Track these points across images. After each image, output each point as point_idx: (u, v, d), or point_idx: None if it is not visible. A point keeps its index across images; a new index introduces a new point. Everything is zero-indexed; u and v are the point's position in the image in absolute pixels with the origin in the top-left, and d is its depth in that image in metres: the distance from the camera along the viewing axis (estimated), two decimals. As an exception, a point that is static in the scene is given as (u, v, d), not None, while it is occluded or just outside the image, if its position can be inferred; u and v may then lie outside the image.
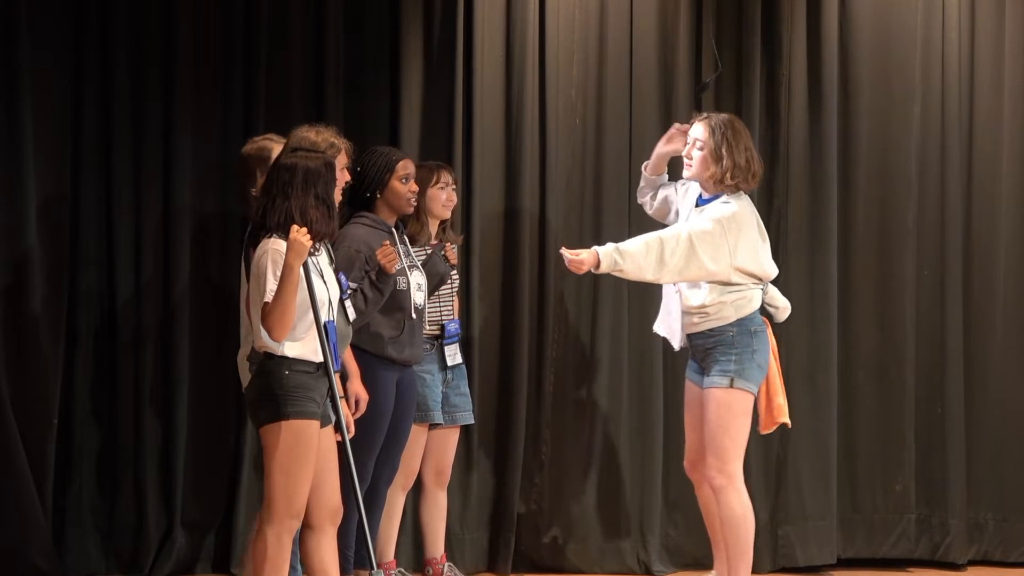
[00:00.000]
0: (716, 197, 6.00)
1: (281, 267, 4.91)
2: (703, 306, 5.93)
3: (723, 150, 5.93)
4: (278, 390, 4.96)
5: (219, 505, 6.69)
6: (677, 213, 6.19)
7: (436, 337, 6.25)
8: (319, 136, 5.50)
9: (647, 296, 7.08)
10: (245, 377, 5.35)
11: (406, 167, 6.00)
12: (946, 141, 7.29)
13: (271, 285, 4.92)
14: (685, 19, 7.13)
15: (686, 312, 5.99)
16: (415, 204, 6.04)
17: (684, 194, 6.19)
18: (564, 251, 5.94)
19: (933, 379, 7.21)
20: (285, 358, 4.98)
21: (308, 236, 4.93)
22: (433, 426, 6.26)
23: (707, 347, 5.96)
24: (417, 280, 5.97)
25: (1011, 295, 7.34)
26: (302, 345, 5.00)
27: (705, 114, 6.10)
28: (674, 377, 7.10)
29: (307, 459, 4.98)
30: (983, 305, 7.32)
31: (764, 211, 7.16)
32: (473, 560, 6.93)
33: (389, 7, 6.89)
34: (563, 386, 7.08)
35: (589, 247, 6.97)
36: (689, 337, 6.04)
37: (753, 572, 6.96)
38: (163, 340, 6.64)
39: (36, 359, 6.45)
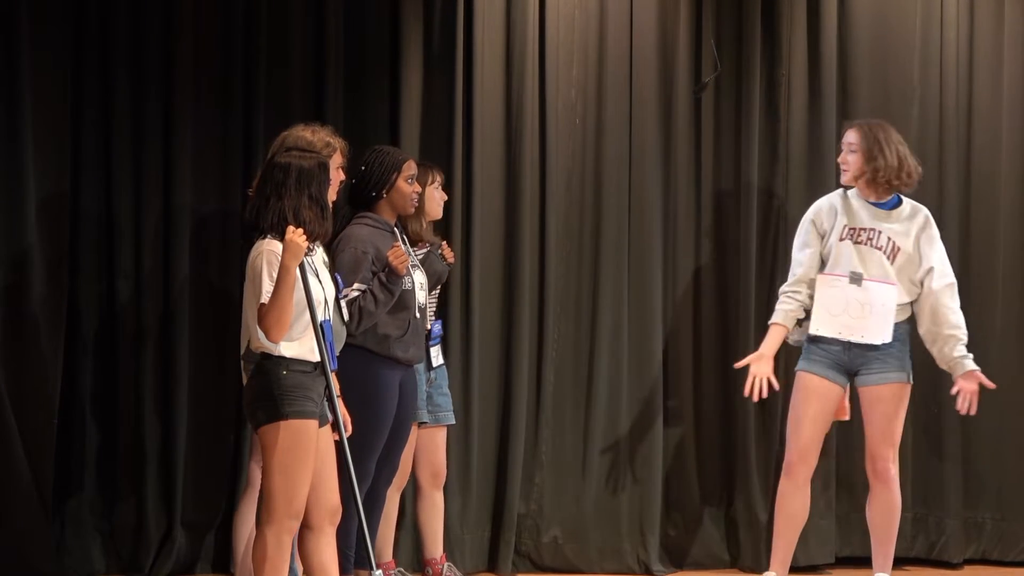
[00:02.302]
0: (895, 200, 6.35)
1: (277, 268, 4.91)
2: (905, 303, 6.35)
3: (875, 151, 6.27)
4: (275, 390, 4.96)
5: (219, 505, 6.68)
6: (830, 232, 6.37)
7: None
8: (315, 136, 5.50)
9: (647, 296, 7.09)
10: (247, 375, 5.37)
11: (411, 167, 6.00)
12: (944, 141, 7.30)
13: (267, 286, 4.92)
14: (685, 19, 7.14)
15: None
16: (416, 204, 6.05)
17: (832, 215, 6.38)
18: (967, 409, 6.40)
19: (931, 378, 7.20)
20: (282, 358, 4.98)
21: (304, 237, 4.93)
22: (420, 425, 6.25)
23: (884, 344, 6.25)
24: (419, 279, 5.98)
25: (1010, 295, 7.35)
26: (299, 345, 5.00)
27: (858, 120, 6.47)
28: (675, 377, 7.12)
29: (306, 459, 4.98)
30: (982, 305, 7.31)
31: (764, 211, 7.19)
32: (473, 560, 6.93)
33: (389, 7, 6.89)
34: (563, 386, 7.09)
35: (589, 248, 7.04)
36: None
37: (752, 572, 6.99)
38: (163, 340, 6.64)
39: (36, 359, 6.44)
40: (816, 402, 6.28)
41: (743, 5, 7.19)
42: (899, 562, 7.21)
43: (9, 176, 6.43)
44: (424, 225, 6.22)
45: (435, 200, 6.24)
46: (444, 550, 6.49)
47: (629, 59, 7.12)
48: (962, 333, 6.33)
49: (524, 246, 6.98)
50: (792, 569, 7.09)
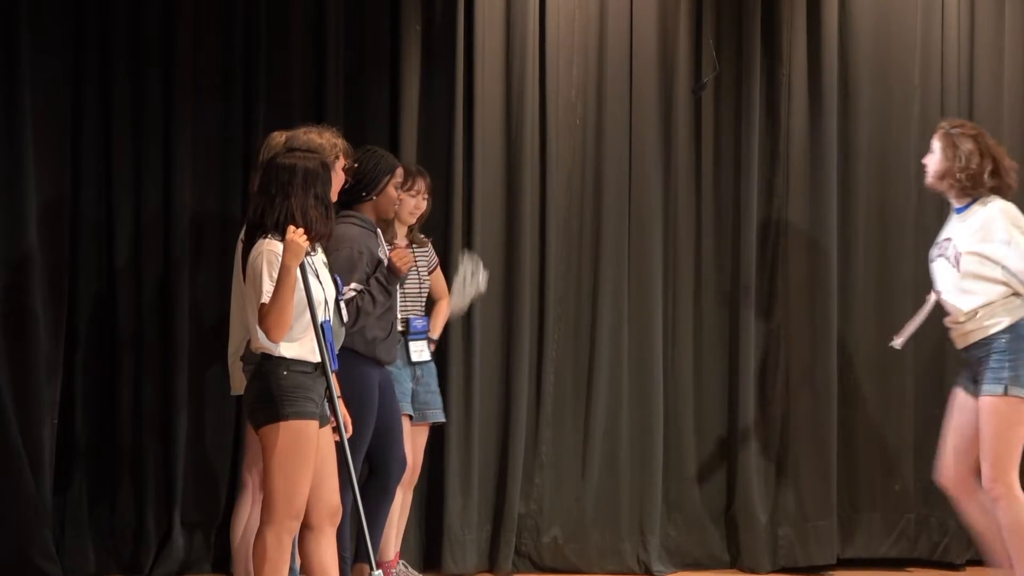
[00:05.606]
0: (968, 206, 5.89)
1: (277, 268, 4.91)
2: (974, 311, 5.82)
3: (948, 153, 5.88)
4: (276, 391, 4.95)
5: (219, 505, 6.69)
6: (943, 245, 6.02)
7: (402, 333, 6.20)
8: (321, 137, 5.51)
9: (647, 296, 7.09)
10: (235, 376, 5.36)
11: (400, 175, 6.01)
12: (945, 141, 7.30)
13: (267, 286, 4.92)
14: (685, 19, 7.14)
15: (954, 323, 5.89)
16: (396, 211, 6.06)
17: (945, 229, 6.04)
18: None
19: (932, 379, 7.21)
20: (283, 359, 4.97)
21: (305, 237, 4.93)
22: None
23: (980, 356, 5.82)
24: None
25: (1010, 295, 7.34)
26: (299, 346, 4.99)
27: (948, 125, 6.02)
28: (674, 377, 7.12)
29: (306, 460, 4.98)
30: (981, 305, 7.32)
31: (764, 211, 7.19)
32: (473, 560, 6.93)
33: (389, 7, 6.89)
34: (563, 386, 7.09)
35: (588, 247, 7.03)
36: (965, 350, 5.90)
37: (752, 573, 6.98)
38: (163, 340, 6.64)
39: (36, 359, 6.45)
40: (953, 413, 5.98)
41: (743, 5, 7.19)
42: (902, 563, 7.23)
43: (9, 176, 6.44)
44: (392, 227, 6.20)
45: (407, 206, 6.22)
46: (400, 551, 6.38)
47: (629, 59, 7.12)
48: None
49: (524, 246, 6.99)
50: (792, 570, 7.11)
